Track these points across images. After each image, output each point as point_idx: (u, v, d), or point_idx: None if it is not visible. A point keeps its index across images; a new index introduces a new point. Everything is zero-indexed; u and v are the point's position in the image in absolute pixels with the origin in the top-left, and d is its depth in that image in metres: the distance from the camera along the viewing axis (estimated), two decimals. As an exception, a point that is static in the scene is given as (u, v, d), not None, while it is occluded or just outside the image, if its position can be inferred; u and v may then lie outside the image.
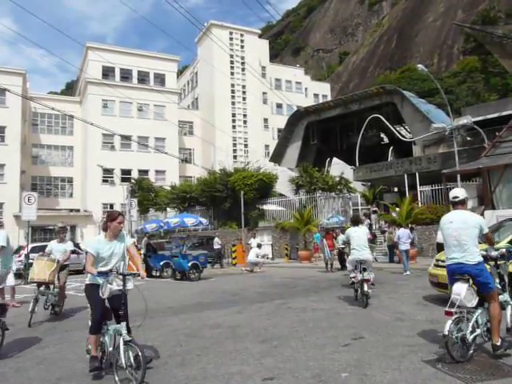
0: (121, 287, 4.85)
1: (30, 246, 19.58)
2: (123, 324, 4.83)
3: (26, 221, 19.23)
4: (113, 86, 44.39)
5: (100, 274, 4.91)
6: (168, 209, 33.75)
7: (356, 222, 9.89)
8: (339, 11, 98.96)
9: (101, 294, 4.82)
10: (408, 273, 14.33)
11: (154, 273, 18.19)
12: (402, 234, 15.05)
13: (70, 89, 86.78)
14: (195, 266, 15.99)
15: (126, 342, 4.56)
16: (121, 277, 4.91)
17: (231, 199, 27.83)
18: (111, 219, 5.14)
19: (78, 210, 45.24)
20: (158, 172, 46.87)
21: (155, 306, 10.23)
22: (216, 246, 22.74)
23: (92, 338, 4.97)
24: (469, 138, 23.91)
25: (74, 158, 49.09)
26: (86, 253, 7.85)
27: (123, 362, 4.42)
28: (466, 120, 20.44)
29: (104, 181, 44.48)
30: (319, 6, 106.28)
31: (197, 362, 5.38)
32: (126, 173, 44.58)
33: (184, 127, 52.28)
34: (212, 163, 40.70)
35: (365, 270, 8.99)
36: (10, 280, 9.94)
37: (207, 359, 5.44)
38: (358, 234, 9.37)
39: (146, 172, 45.83)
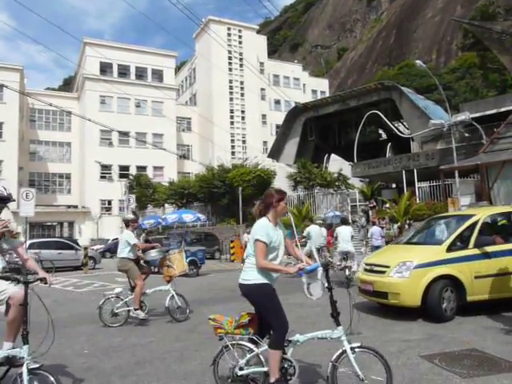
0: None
1: (28, 242, 19.60)
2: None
3: (23, 217, 19.21)
4: (110, 81, 44.26)
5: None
6: (166, 205, 33.75)
7: (344, 222, 12.82)
8: (337, 7, 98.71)
9: (308, 295, 4.09)
10: None
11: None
12: (374, 231, 15.29)
13: (67, 85, 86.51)
14: (193, 262, 16.00)
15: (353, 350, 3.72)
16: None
17: (229, 195, 27.84)
18: (279, 199, 3.96)
19: (75, 207, 45.19)
20: (156, 168, 46.83)
21: (154, 302, 10.23)
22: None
23: (277, 354, 3.71)
24: (467, 135, 23.91)
25: (71, 154, 49.03)
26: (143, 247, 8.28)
27: None
28: (464, 116, 20.45)
29: (102, 177, 44.41)
30: (317, 2, 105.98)
31: (195, 357, 5.39)
32: (123, 169, 44.54)
33: (182, 123, 52.21)
34: (210, 159, 40.64)
35: (347, 258, 11.59)
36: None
37: (205, 354, 5.45)
38: (345, 232, 11.96)
39: (144, 168, 45.79)
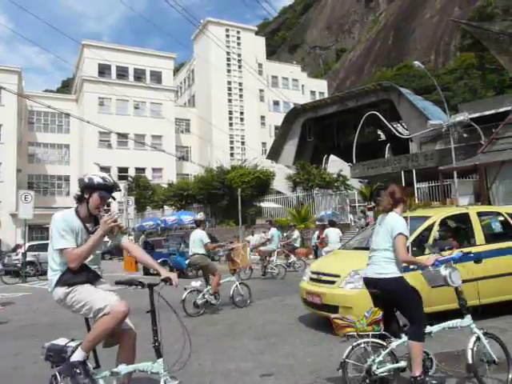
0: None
1: (27, 244, 19.54)
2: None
3: (22, 219, 19.18)
4: (109, 83, 44.25)
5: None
6: (165, 207, 33.71)
7: (332, 223, 13.90)
8: (336, 8, 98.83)
9: (451, 284, 4.03)
10: None
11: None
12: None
13: (66, 87, 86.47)
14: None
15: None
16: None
17: (228, 197, 27.82)
18: (407, 194, 4.22)
19: (75, 209, 45.12)
20: (154, 170, 46.81)
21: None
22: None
23: (420, 347, 3.76)
24: (465, 135, 23.96)
25: (70, 156, 48.96)
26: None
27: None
28: (462, 117, 20.47)
29: (101, 179, 44.28)
30: (316, 3, 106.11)
31: (194, 358, 5.37)
32: (122, 171, 44.51)
33: (181, 125, 52.20)
34: (209, 161, 40.65)
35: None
36: None
37: (205, 356, 5.45)
38: (333, 233, 13.00)
39: (142, 170, 45.77)
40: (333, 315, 4.04)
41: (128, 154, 45.31)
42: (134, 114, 47.14)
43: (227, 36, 52.60)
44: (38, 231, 41.57)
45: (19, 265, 18.31)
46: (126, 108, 46.81)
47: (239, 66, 51.76)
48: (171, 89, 50.70)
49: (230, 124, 51.85)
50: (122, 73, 48.34)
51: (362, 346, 3.74)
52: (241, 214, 24.66)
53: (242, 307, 8.83)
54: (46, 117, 47.76)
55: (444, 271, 4.00)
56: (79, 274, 3.42)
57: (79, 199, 3.60)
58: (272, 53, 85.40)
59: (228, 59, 51.81)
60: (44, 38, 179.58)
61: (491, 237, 7.05)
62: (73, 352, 3.31)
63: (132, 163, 45.48)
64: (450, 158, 20.10)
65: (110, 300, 3.40)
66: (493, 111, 23.40)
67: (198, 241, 8.98)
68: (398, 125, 34.79)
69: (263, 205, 28.50)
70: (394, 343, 3.79)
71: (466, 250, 5.03)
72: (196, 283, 8.56)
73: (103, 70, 47.11)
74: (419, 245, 6.52)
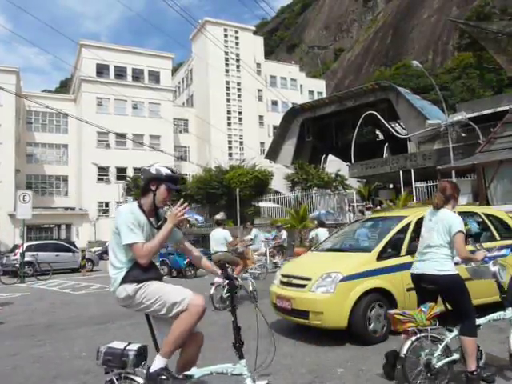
0: None
1: (26, 244, 19.50)
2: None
3: (20, 219, 19.15)
4: (107, 83, 44.21)
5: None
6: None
7: (321, 224, 14.40)
8: (334, 8, 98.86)
9: (500, 279, 4.21)
10: None
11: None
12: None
13: (64, 87, 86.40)
14: (191, 263, 15.98)
15: None
16: None
17: (227, 196, 27.81)
18: (458, 192, 4.35)
19: (73, 209, 45.11)
20: (153, 170, 46.74)
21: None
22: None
23: (474, 341, 3.93)
24: (464, 135, 23.96)
25: (68, 156, 48.93)
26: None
27: None
28: (460, 116, 20.50)
29: (99, 179, 44.35)
30: (314, 3, 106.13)
31: (193, 358, 5.38)
32: (121, 171, 44.52)
33: (179, 125, 52.18)
34: (207, 161, 40.65)
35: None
36: None
37: (202, 356, 5.42)
38: (322, 233, 13.30)
39: (141, 170, 45.73)
40: (392, 311, 4.15)
41: (126, 154, 45.28)
42: (133, 114, 47.11)
43: (225, 36, 52.60)
44: (36, 231, 41.56)
45: (17, 265, 18.29)
46: (124, 108, 46.78)
47: (237, 66, 51.76)
48: (169, 89, 50.69)
49: (229, 124, 51.85)
50: (120, 73, 48.30)
51: (421, 340, 3.87)
52: (239, 214, 24.68)
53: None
54: (44, 117, 47.71)
55: (493, 267, 4.19)
56: (149, 270, 3.21)
57: (144, 191, 3.35)
58: (270, 52, 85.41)
59: (226, 59, 51.81)
60: (42, 38, 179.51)
61: (469, 237, 6.89)
62: (135, 356, 3.07)
63: (130, 163, 45.44)
64: (449, 157, 20.13)
65: (187, 294, 3.17)
66: (491, 110, 23.41)
67: (221, 239, 9.45)
68: (396, 124, 34.80)
69: (261, 205, 28.50)
70: (449, 337, 3.95)
71: None
72: (220, 279, 8.61)
73: (101, 69, 47.07)
74: (396, 246, 6.22)
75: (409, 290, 5.15)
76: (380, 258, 6.00)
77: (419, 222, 6.48)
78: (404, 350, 3.79)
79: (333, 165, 30.27)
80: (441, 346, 3.85)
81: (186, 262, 15.96)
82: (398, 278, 5.79)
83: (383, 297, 5.84)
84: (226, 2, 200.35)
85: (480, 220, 7.34)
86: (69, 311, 9.65)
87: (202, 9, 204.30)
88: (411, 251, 5.74)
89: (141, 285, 3.13)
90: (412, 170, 24.29)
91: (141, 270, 3.16)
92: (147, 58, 49.22)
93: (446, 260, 4.04)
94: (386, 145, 31.54)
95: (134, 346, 3.12)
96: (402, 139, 30.05)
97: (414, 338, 3.83)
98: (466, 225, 6.85)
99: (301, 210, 23.52)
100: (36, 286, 15.70)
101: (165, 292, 3.15)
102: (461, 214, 6.88)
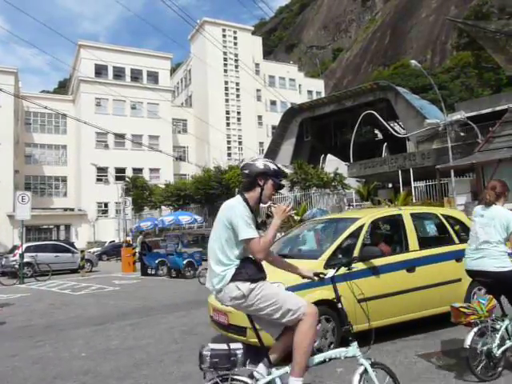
0: None
1: (25, 245, 19.47)
2: None
3: (19, 220, 19.13)
4: (106, 84, 44.20)
5: None
6: (163, 207, 33.69)
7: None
8: (332, 7, 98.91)
9: None
10: None
11: (149, 271, 18.18)
12: None
13: (62, 87, 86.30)
14: (190, 263, 15.98)
15: None
16: None
17: (226, 196, 27.74)
18: (508, 187, 4.49)
19: (72, 209, 45.10)
20: (152, 170, 46.78)
21: (151, 303, 10.23)
22: None
23: None
24: (462, 134, 23.98)
25: (67, 156, 48.91)
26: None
27: None
28: (459, 115, 20.52)
29: (98, 179, 44.32)
30: (312, 3, 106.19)
31: (193, 359, 5.37)
32: (120, 171, 44.49)
33: (178, 125, 52.17)
34: (206, 161, 40.65)
35: None
36: None
37: (203, 356, 5.44)
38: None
39: (140, 170, 45.72)
40: (456, 304, 4.32)
41: (125, 155, 45.26)
42: (131, 115, 47.09)
43: (224, 36, 52.60)
44: (35, 232, 41.54)
45: (16, 266, 18.25)
46: (123, 108, 46.76)
47: (236, 66, 51.75)
48: (168, 89, 50.68)
49: (227, 124, 51.86)
50: (119, 73, 48.29)
51: (483, 330, 4.07)
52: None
53: None
54: (43, 117, 47.68)
55: None
56: (261, 269, 3.09)
57: (250, 186, 3.26)
58: (269, 53, 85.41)
59: (225, 59, 51.82)
60: (40, 38, 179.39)
61: (426, 241, 6.59)
62: (243, 355, 2.87)
63: (129, 164, 45.44)
64: (447, 156, 20.13)
65: (302, 302, 3.05)
66: (489, 110, 23.44)
67: None
68: (395, 124, 34.82)
69: (260, 205, 28.47)
70: (503, 326, 4.17)
71: None
72: None
73: (100, 70, 47.04)
74: (347, 251, 5.60)
75: (361, 300, 4.29)
76: (328, 265, 5.10)
77: (374, 225, 6.29)
78: (468, 342, 3.97)
79: (332, 164, 30.25)
80: (498, 335, 4.07)
81: (185, 262, 15.95)
82: (348, 288, 4.43)
83: (331, 309, 5.14)
84: (224, 2, 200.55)
85: (438, 222, 6.93)
86: (68, 312, 9.64)
87: (200, 9, 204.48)
88: (364, 257, 5.38)
89: (255, 285, 3.00)
90: (411, 170, 24.28)
91: (255, 268, 3.05)
92: (146, 58, 49.20)
93: (504, 256, 4.20)
94: (385, 144, 31.54)
95: (238, 345, 2.91)
96: (400, 139, 30.07)
97: (476, 329, 4.02)
98: (423, 227, 7.01)
99: (300, 210, 23.51)
100: (35, 286, 15.68)
101: (281, 297, 3.04)
102: (417, 215, 6.63)
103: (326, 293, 4.90)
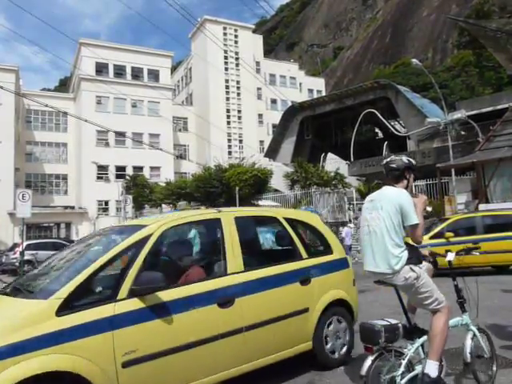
0: None
1: (25, 243, 19.49)
2: None
3: (20, 218, 19.14)
4: (106, 82, 44.17)
5: None
6: (163, 205, 33.70)
7: None
8: (333, 6, 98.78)
9: None
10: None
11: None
12: (347, 232, 18.45)
13: (63, 85, 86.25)
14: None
15: None
16: None
17: (226, 195, 27.81)
18: None
19: (72, 207, 45.12)
20: (152, 168, 46.77)
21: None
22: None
23: None
24: (463, 133, 23.99)
25: (68, 154, 48.90)
26: None
27: None
28: (460, 114, 20.51)
29: (99, 177, 44.34)
30: (313, 1, 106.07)
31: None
32: (120, 169, 44.48)
33: (178, 123, 52.15)
34: (207, 159, 40.63)
35: None
36: None
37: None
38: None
39: (140, 168, 45.71)
40: None
41: (126, 153, 45.26)
42: (132, 113, 47.06)
43: (224, 34, 52.53)
44: (35, 230, 41.53)
45: (17, 264, 18.29)
46: (124, 106, 46.73)
47: (237, 65, 51.70)
48: (169, 87, 50.64)
49: (228, 122, 51.83)
50: (120, 71, 48.25)
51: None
52: (239, 213, 24.66)
53: None
54: (44, 115, 47.67)
55: None
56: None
57: (399, 178, 3.70)
58: (269, 51, 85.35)
59: (225, 57, 51.76)
60: (41, 36, 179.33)
61: (256, 257, 4.78)
62: (402, 329, 3.44)
63: (130, 162, 45.44)
64: (448, 155, 20.14)
65: (443, 296, 3.52)
66: (490, 109, 23.43)
67: None
68: (396, 122, 34.84)
69: (261, 203, 28.49)
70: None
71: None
72: None
73: (101, 68, 47.01)
74: (109, 282, 3.74)
75: (125, 365, 3.20)
76: (67, 308, 3.15)
77: (165, 237, 4.16)
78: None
79: (332, 163, 30.29)
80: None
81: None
82: (103, 345, 3.17)
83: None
84: (225, 1, 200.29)
85: (280, 229, 5.03)
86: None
87: (201, 7, 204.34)
88: (139, 290, 3.42)
89: (422, 270, 3.46)
90: (411, 168, 24.27)
91: (419, 253, 3.55)
92: (146, 56, 49.15)
93: None
94: (386, 143, 31.55)
95: (397, 321, 3.49)
96: (401, 137, 30.08)
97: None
98: (254, 238, 5.14)
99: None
100: (36, 284, 15.64)
101: (434, 287, 3.48)
102: (245, 220, 4.73)
103: (55, 360, 2.96)
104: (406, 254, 3.37)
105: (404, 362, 3.32)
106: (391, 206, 3.42)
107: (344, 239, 18.21)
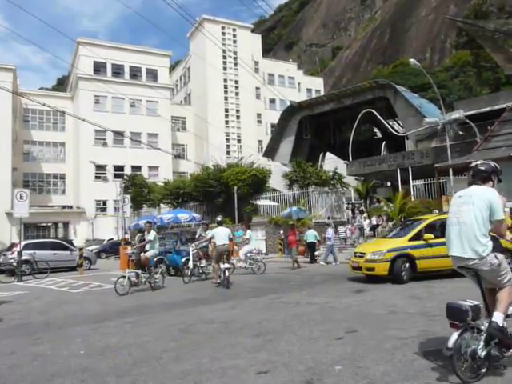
0: None
1: (23, 243, 19.44)
2: None
3: (18, 218, 19.10)
4: (105, 81, 44.11)
5: None
6: (161, 205, 33.67)
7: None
8: (332, 6, 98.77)
9: None
10: (336, 263, 17.61)
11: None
12: (329, 231, 18.82)
13: (61, 85, 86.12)
14: (189, 261, 15.94)
15: None
16: None
17: (225, 195, 27.82)
18: None
19: (70, 207, 45.01)
20: (151, 168, 46.72)
21: (149, 301, 10.24)
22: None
23: None
24: (461, 133, 24.02)
25: (66, 154, 48.80)
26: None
27: None
28: (458, 114, 20.52)
29: (97, 177, 44.27)
30: (312, 1, 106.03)
31: (191, 356, 5.39)
32: (118, 169, 44.41)
33: (177, 123, 52.10)
34: (205, 159, 40.60)
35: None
36: None
37: (201, 354, 5.46)
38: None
39: (138, 168, 45.66)
40: None
41: (124, 153, 45.20)
42: (130, 112, 47.00)
43: (223, 34, 52.50)
44: (33, 230, 41.42)
45: (15, 263, 18.24)
46: (122, 106, 46.66)
47: (235, 64, 51.64)
48: (167, 87, 50.59)
49: (226, 122, 51.81)
50: (118, 71, 48.17)
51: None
52: (237, 212, 24.68)
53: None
54: (42, 115, 47.56)
55: None
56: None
57: (486, 180, 4.28)
58: (268, 51, 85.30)
59: (224, 57, 51.72)
60: (39, 36, 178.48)
61: None
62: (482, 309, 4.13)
63: (128, 161, 45.38)
64: (446, 155, 20.15)
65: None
66: (488, 109, 23.46)
67: (226, 235, 12.75)
68: (394, 122, 34.84)
69: (259, 203, 28.50)
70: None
71: None
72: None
73: (99, 67, 46.93)
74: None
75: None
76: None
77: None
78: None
79: (330, 163, 30.32)
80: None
81: (183, 260, 15.93)
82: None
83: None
84: (223, 0, 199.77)
85: None
86: (66, 310, 9.64)
87: (199, 7, 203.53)
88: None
89: (503, 257, 4.12)
90: (410, 168, 24.33)
91: (500, 244, 4.18)
92: (145, 55, 49.08)
93: None
94: (384, 143, 31.59)
95: (477, 302, 4.13)
96: (399, 137, 30.10)
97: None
98: None
99: (298, 208, 23.52)
100: (33, 284, 15.67)
101: (508, 269, 4.15)
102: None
103: None
104: (491, 244, 4.05)
105: (483, 337, 3.99)
106: (482, 201, 4.10)
107: (329, 239, 18.54)
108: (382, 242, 12.41)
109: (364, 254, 11.53)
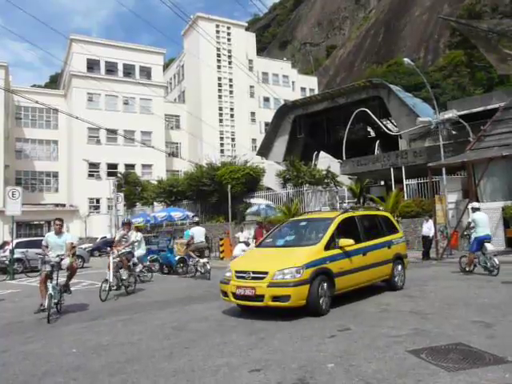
0: None
1: (15, 241, 19.31)
2: None
3: (10, 216, 18.97)
4: (98, 79, 43.87)
5: None
6: (155, 203, 33.58)
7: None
8: (326, 4, 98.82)
9: None
10: None
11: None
12: (197, 233, 19.59)
13: (54, 82, 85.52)
14: (183, 260, 15.95)
15: None
16: None
17: (218, 193, 27.77)
18: None
19: (63, 205, 44.76)
20: (144, 166, 46.58)
21: (142, 299, 10.21)
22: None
23: None
24: (454, 132, 24.13)
25: (58, 152, 48.53)
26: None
27: None
28: (451, 114, 20.59)
29: (90, 175, 44.08)
30: (306, 0, 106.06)
31: (184, 354, 5.39)
32: (112, 167, 44.24)
33: (171, 121, 51.96)
34: (199, 157, 40.52)
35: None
36: None
37: (195, 352, 5.46)
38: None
39: (132, 166, 45.50)
40: None
41: (117, 150, 45.03)
42: (124, 110, 46.82)
43: (217, 32, 52.40)
44: (26, 228, 41.17)
45: (7, 262, 18.13)
46: (116, 104, 46.46)
47: (229, 62, 51.60)
48: (161, 85, 50.43)
49: (220, 120, 51.74)
50: (111, 68, 47.96)
51: None
52: (230, 211, 24.65)
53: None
54: (34, 112, 47.26)
55: None
56: None
57: None
58: (262, 49, 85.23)
59: (218, 55, 51.65)
60: (32, 33, 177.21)
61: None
62: None
63: (121, 159, 45.21)
64: (439, 154, 20.22)
65: None
66: (481, 108, 23.58)
67: (203, 234, 14.41)
68: (388, 122, 34.95)
69: (253, 201, 28.47)
70: None
71: None
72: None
73: (92, 65, 46.69)
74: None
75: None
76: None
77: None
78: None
79: (324, 161, 30.31)
80: None
81: (177, 258, 15.92)
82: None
83: None
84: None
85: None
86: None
87: (193, 5, 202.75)
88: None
89: None
90: (403, 167, 24.41)
91: None
92: (138, 53, 48.89)
93: None
94: (378, 142, 31.65)
95: None
96: (393, 136, 30.20)
97: None
98: None
99: (292, 207, 23.55)
100: (26, 282, 15.59)
101: None
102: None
103: None
104: None
105: None
106: None
107: None
108: (275, 253, 8.19)
109: (266, 273, 7.16)
